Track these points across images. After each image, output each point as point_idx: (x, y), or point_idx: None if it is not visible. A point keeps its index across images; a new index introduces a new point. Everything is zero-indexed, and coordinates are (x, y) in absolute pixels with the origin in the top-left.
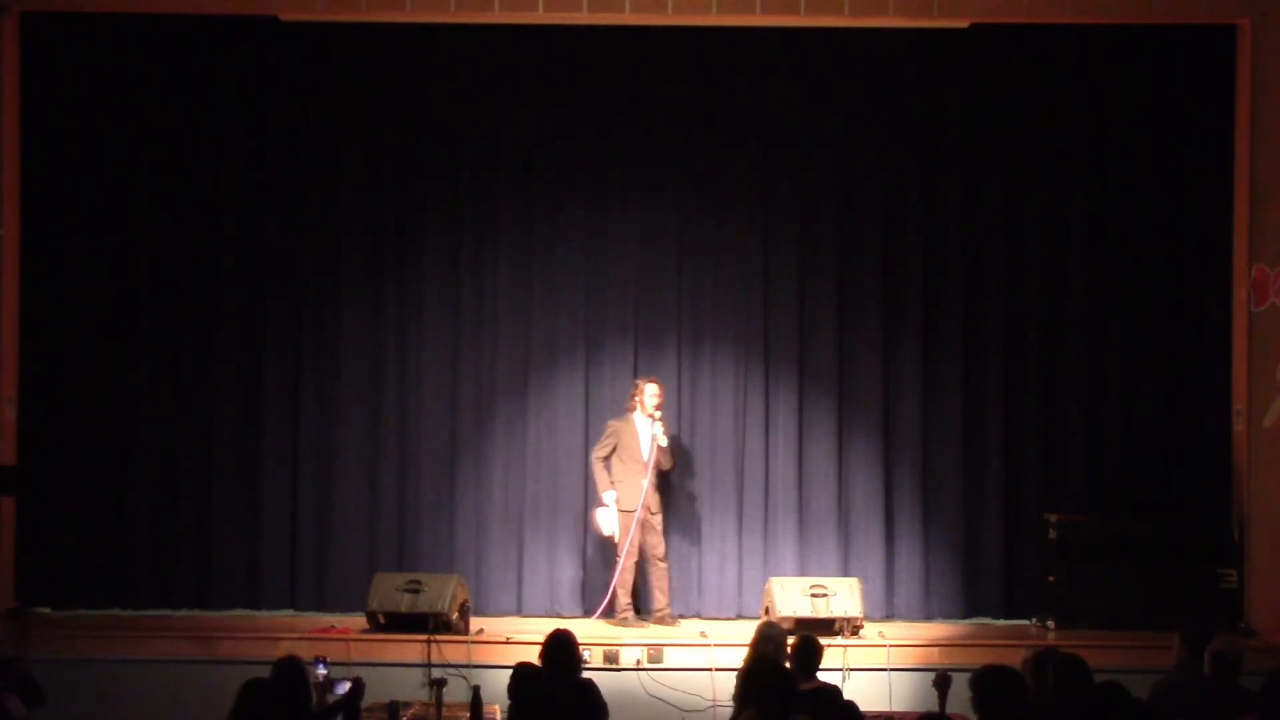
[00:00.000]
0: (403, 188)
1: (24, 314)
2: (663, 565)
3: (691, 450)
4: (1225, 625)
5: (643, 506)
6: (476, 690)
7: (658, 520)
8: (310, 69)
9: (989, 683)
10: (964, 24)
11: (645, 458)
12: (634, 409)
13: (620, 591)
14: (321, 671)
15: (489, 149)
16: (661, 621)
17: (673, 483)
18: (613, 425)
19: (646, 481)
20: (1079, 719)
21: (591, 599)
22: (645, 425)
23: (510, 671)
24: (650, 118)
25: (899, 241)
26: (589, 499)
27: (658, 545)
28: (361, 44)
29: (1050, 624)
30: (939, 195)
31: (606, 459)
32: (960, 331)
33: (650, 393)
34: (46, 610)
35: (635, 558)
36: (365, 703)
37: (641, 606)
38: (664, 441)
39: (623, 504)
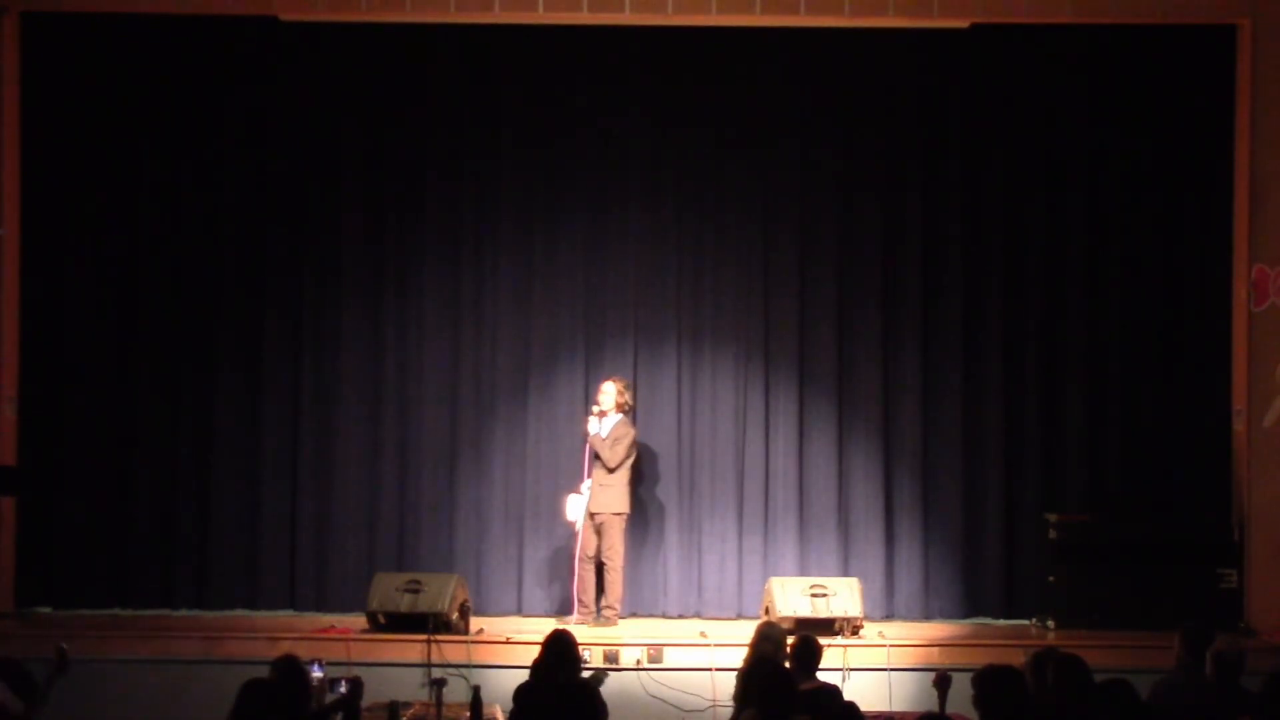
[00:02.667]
0: (403, 188)
1: (24, 314)
2: (607, 565)
3: (692, 450)
4: (1225, 625)
5: (587, 508)
6: (476, 690)
7: (600, 520)
8: (310, 69)
9: (991, 682)
10: (964, 24)
11: (592, 457)
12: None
13: (580, 590)
14: (318, 674)
15: (489, 149)
16: (606, 620)
17: (644, 484)
18: None
19: (587, 484)
20: (1079, 719)
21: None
22: (595, 426)
23: (509, 671)
24: (650, 118)
25: (899, 242)
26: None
27: (602, 546)
28: (361, 44)
29: (1050, 624)
30: (939, 195)
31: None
32: (960, 332)
33: (600, 391)
34: (47, 610)
35: (585, 556)
36: (365, 703)
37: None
38: (590, 433)
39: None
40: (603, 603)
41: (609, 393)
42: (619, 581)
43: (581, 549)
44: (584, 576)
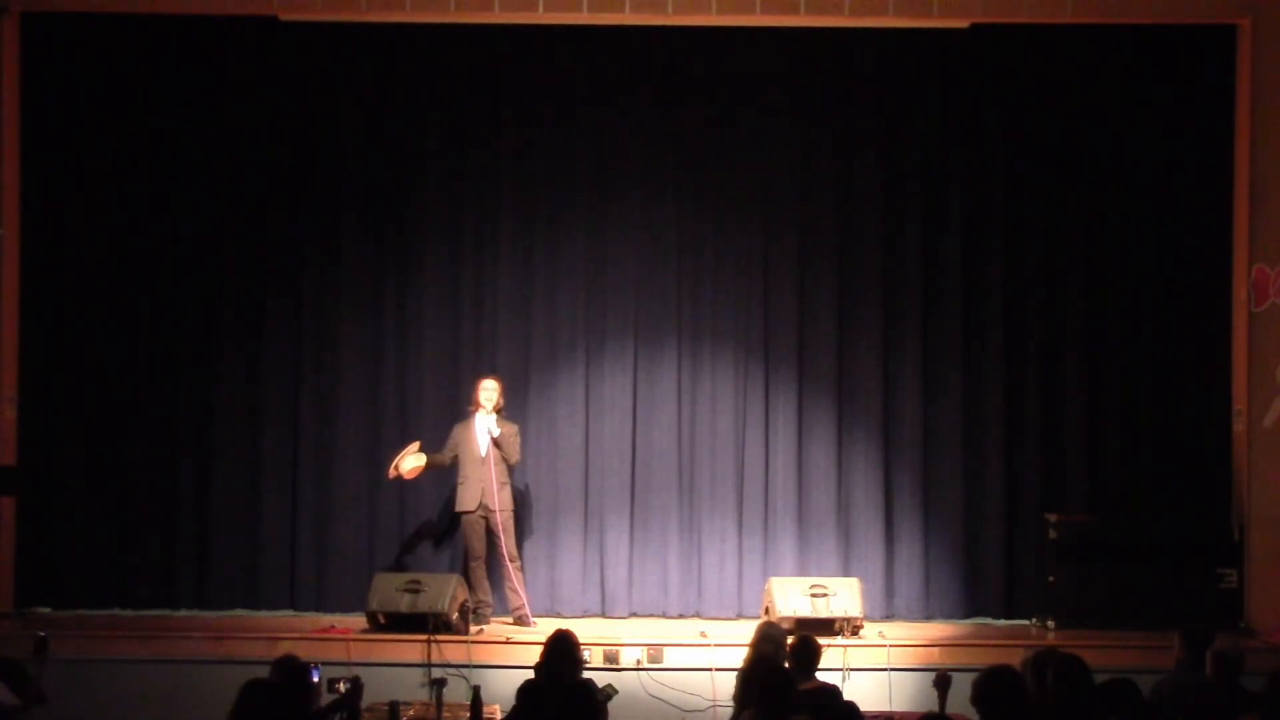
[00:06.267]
0: (402, 187)
1: (24, 314)
2: (513, 565)
3: (692, 450)
4: (1225, 625)
5: (483, 506)
6: (476, 690)
7: (506, 518)
8: (310, 69)
9: (991, 684)
10: (964, 24)
11: (483, 455)
12: (476, 409)
13: (472, 591)
14: (314, 677)
15: (489, 149)
16: (521, 621)
17: (645, 484)
18: (455, 430)
19: (491, 478)
20: (1079, 719)
21: (590, 598)
22: (483, 423)
23: (509, 670)
24: (650, 118)
25: (899, 241)
26: (589, 499)
27: (505, 545)
28: (361, 44)
29: (1050, 624)
30: (938, 195)
31: (453, 461)
32: (960, 331)
33: (485, 388)
34: (46, 610)
35: (482, 558)
36: (365, 703)
37: (498, 607)
38: (495, 432)
39: (463, 504)
40: (513, 602)
41: (493, 390)
42: (522, 579)
43: (472, 550)
44: (481, 575)
